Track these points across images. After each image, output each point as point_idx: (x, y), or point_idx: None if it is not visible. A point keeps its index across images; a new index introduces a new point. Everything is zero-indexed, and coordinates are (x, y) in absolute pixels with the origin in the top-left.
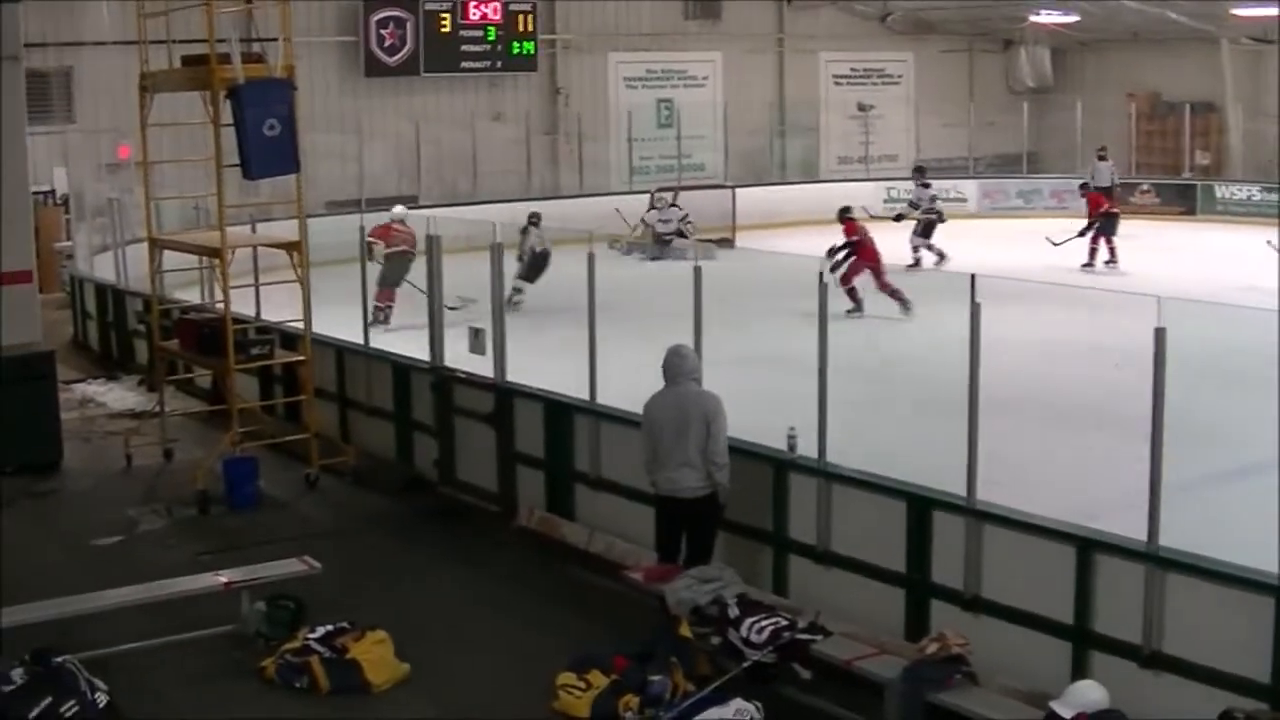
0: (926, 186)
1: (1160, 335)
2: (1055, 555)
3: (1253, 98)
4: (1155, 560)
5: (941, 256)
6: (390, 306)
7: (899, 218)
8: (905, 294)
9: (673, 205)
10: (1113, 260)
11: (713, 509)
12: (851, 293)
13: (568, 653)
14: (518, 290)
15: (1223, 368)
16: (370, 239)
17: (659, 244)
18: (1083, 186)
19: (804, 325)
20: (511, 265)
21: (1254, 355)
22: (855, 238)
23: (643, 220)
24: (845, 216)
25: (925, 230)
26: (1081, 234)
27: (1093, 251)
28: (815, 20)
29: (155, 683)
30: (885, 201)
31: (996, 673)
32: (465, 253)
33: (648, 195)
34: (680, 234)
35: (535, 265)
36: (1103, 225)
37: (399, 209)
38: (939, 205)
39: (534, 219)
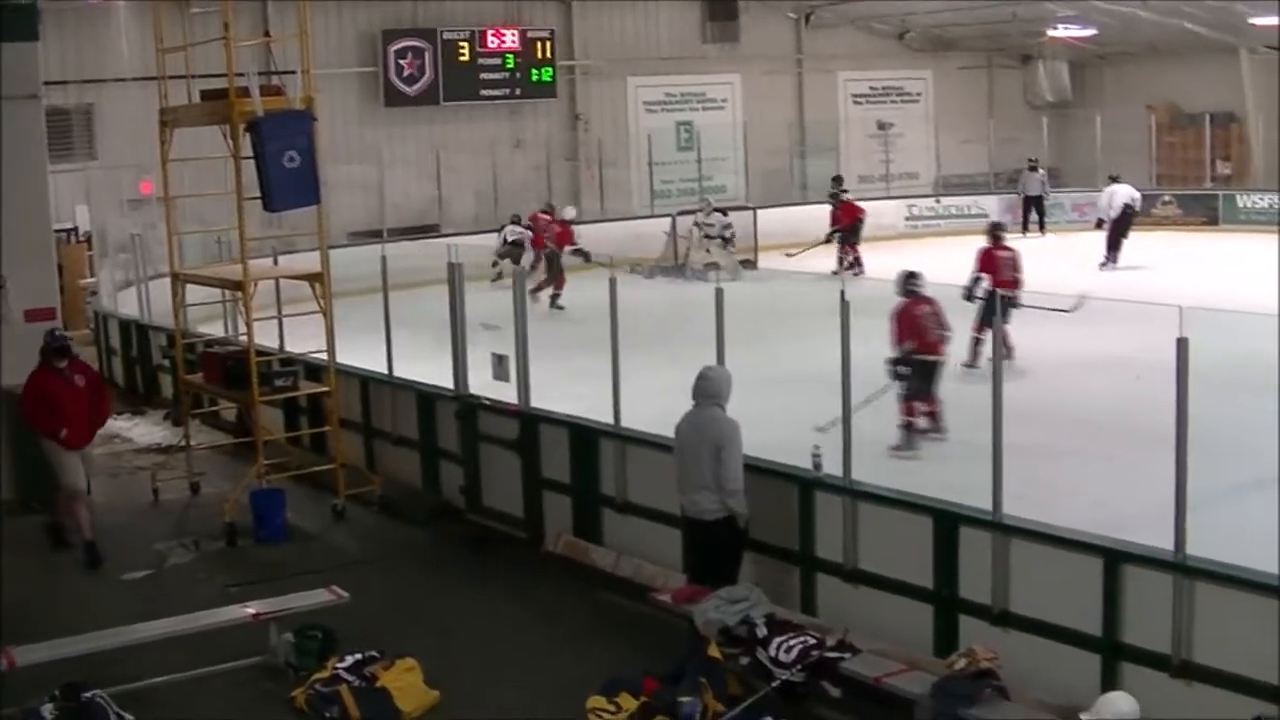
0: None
1: (1183, 346)
2: (1082, 567)
3: (1273, 106)
4: (1183, 570)
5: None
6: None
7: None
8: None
9: (716, 210)
10: (857, 268)
11: (731, 533)
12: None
13: (597, 676)
14: (495, 264)
15: (1246, 377)
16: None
17: (707, 245)
18: (833, 196)
19: (827, 344)
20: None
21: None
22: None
23: (695, 224)
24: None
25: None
26: (826, 241)
27: (840, 260)
28: (833, 40)
29: (186, 715)
30: (906, 219)
31: (1027, 687)
32: (486, 280)
33: (668, 219)
34: (724, 239)
35: (509, 253)
36: (845, 235)
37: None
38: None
39: (514, 219)
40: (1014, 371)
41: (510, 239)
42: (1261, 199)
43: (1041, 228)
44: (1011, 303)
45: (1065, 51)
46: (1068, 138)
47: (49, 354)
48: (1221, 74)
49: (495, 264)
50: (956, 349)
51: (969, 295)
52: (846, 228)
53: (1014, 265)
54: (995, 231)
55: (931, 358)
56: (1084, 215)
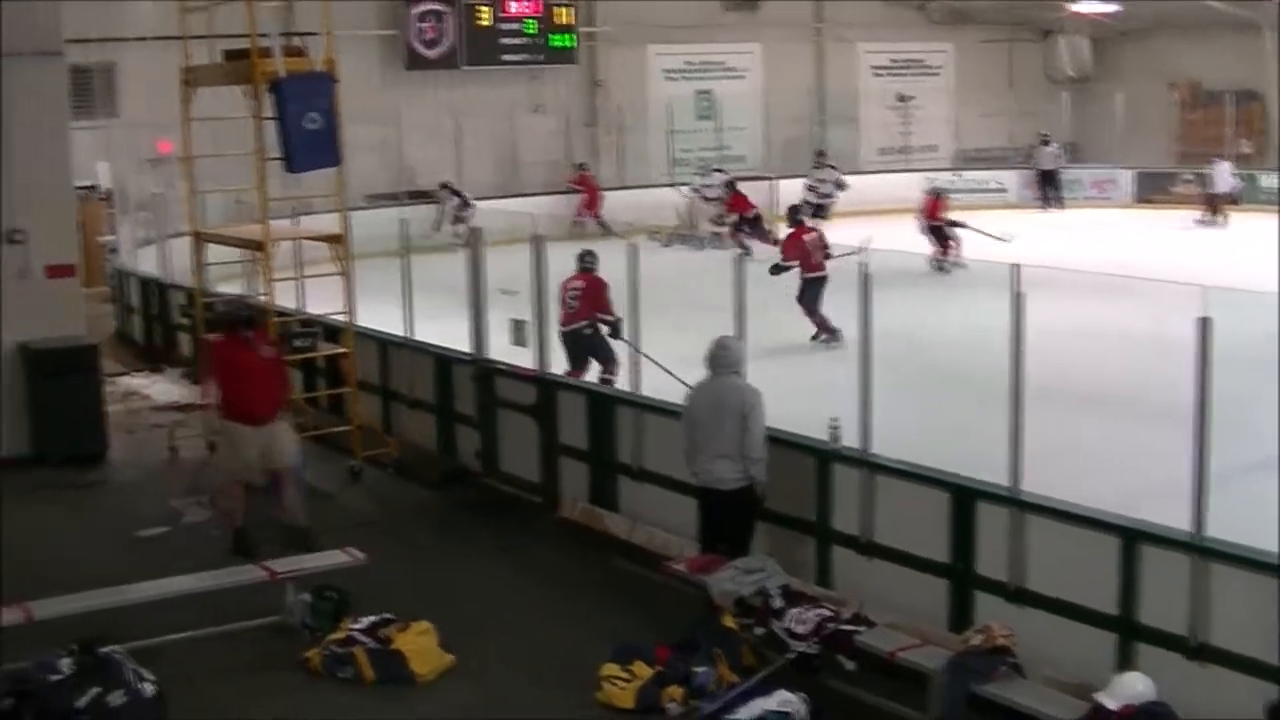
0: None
1: (1205, 324)
2: (1100, 545)
3: None
4: (1200, 550)
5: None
6: None
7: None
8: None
9: (829, 166)
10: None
11: (749, 501)
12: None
13: (611, 644)
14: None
15: (1266, 356)
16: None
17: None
18: (724, 187)
19: (846, 316)
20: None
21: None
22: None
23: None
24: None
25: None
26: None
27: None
28: (854, 10)
29: (201, 673)
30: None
31: (1042, 664)
32: (508, 245)
33: (686, 186)
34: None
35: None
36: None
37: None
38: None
39: (446, 184)
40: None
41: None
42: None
43: (1060, 203)
44: (822, 284)
45: (1087, 26)
46: (1088, 113)
47: (235, 323)
48: (1244, 52)
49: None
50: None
51: (776, 270)
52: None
53: (821, 245)
54: (795, 215)
55: (814, 275)
56: (1103, 192)
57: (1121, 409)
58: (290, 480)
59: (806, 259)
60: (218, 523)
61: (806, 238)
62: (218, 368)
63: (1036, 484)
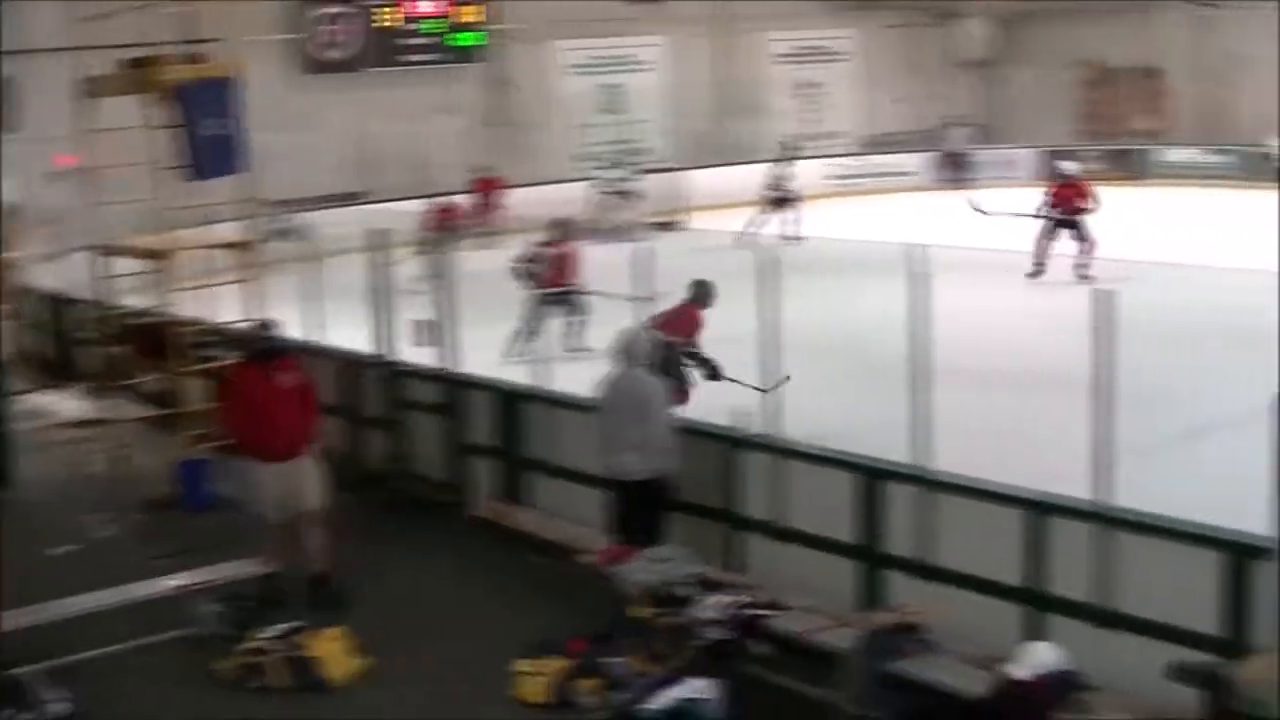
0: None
1: (1103, 298)
2: (1007, 519)
3: (1197, 62)
4: (1104, 519)
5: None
6: None
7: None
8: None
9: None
10: None
11: (657, 493)
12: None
13: (526, 639)
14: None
15: (1167, 328)
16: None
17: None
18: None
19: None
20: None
21: (1199, 313)
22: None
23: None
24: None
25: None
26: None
27: None
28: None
29: (117, 688)
30: (831, 178)
31: (954, 640)
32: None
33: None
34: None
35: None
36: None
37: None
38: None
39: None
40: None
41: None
42: (1184, 153)
43: (966, 184)
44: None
45: (991, 9)
46: (994, 95)
47: (257, 354)
48: (1148, 30)
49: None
50: None
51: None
52: None
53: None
54: (560, 229)
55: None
56: (1011, 172)
57: (1043, 385)
58: (315, 524)
59: (571, 275)
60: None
61: (565, 251)
62: (232, 398)
63: (963, 464)
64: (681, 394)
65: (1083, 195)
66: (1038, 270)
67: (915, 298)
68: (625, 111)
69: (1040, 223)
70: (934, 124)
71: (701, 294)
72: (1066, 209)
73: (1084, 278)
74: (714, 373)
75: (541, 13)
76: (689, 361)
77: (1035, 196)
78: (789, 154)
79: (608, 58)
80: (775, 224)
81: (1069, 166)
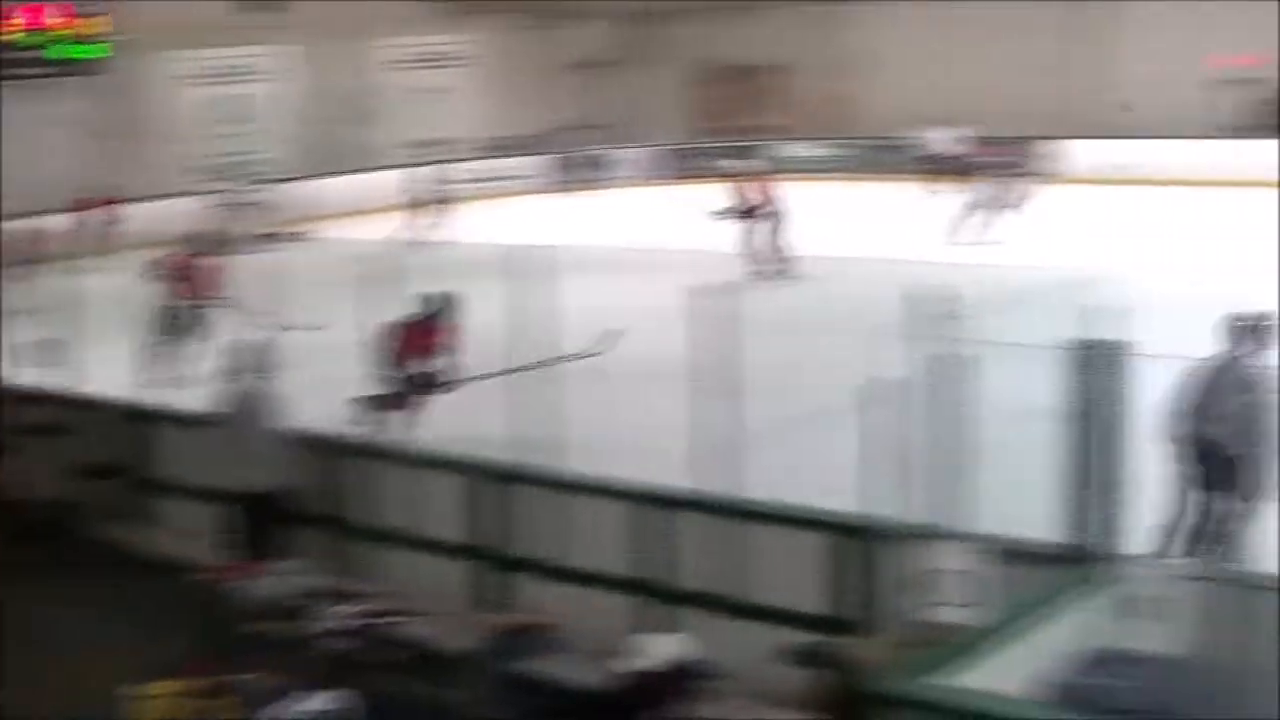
0: None
1: (695, 293)
2: (626, 515)
3: (819, 57)
4: (726, 511)
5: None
6: None
7: None
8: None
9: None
10: None
11: (280, 504)
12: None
13: (148, 663)
14: None
15: (771, 321)
16: None
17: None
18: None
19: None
20: None
21: (822, 304)
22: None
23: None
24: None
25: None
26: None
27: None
28: (375, 7)
29: None
30: (449, 183)
31: (580, 638)
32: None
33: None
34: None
35: None
36: None
37: None
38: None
39: None
40: None
41: None
42: (809, 148)
43: (589, 186)
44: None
45: (612, 10)
46: (616, 96)
47: None
48: (773, 28)
49: None
50: None
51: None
52: None
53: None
54: (193, 242)
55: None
56: (637, 171)
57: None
58: None
59: (207, 289)
60: None
61: (204, 264)
62: None
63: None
64: (399, 403)
65: (764, 191)
66: (762, 269)
67: (534, 298)
68: (246, 122)
69: (742, 224)
70: (554, 126)
71: (440, 307)
72: (756, 206)
73: (779, 273)
74: (433, 385)
75: (156, 24)
76: (414, 378)
77: (663, 195)
78: (422, 159)
79: (226, 68)
80: (426, 228)
81: (734, 165)
